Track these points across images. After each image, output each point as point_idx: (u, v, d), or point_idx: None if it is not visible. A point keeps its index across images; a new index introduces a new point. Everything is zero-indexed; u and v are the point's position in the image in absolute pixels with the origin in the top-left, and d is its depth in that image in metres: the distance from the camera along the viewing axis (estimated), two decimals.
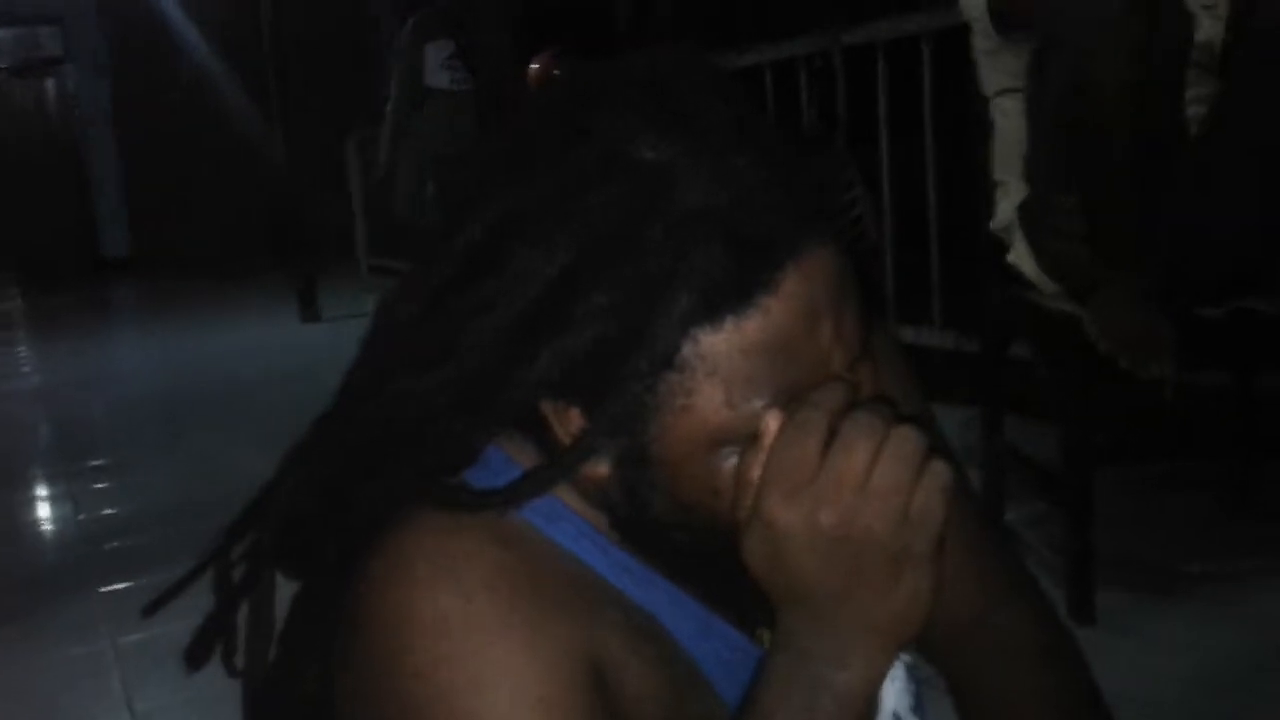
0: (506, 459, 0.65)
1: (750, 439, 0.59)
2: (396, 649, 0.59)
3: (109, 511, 3.15)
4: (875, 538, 0.56)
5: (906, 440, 0.57)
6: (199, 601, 0.70)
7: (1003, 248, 2.00)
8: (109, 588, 2.46)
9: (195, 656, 0.70)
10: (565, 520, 0.65)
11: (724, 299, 0.57)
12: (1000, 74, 1.94)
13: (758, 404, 0.58)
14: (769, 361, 0.58)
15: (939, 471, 0.57)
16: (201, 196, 9.91)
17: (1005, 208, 1.98)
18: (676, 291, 0.57)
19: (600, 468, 0.62)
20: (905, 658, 0.70)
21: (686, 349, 0.58)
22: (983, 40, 1.93)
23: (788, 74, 3.61)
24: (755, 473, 0.58)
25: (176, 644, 0.69)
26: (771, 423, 0.58)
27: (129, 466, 3.63)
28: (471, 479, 0.65)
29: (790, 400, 0.58)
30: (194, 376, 5.11)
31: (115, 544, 2.83)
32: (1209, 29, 1.83)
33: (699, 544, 0.64)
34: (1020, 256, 1.94)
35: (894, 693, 0.68)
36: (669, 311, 0.57)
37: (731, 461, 0.60)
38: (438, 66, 4.81)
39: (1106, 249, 1.74)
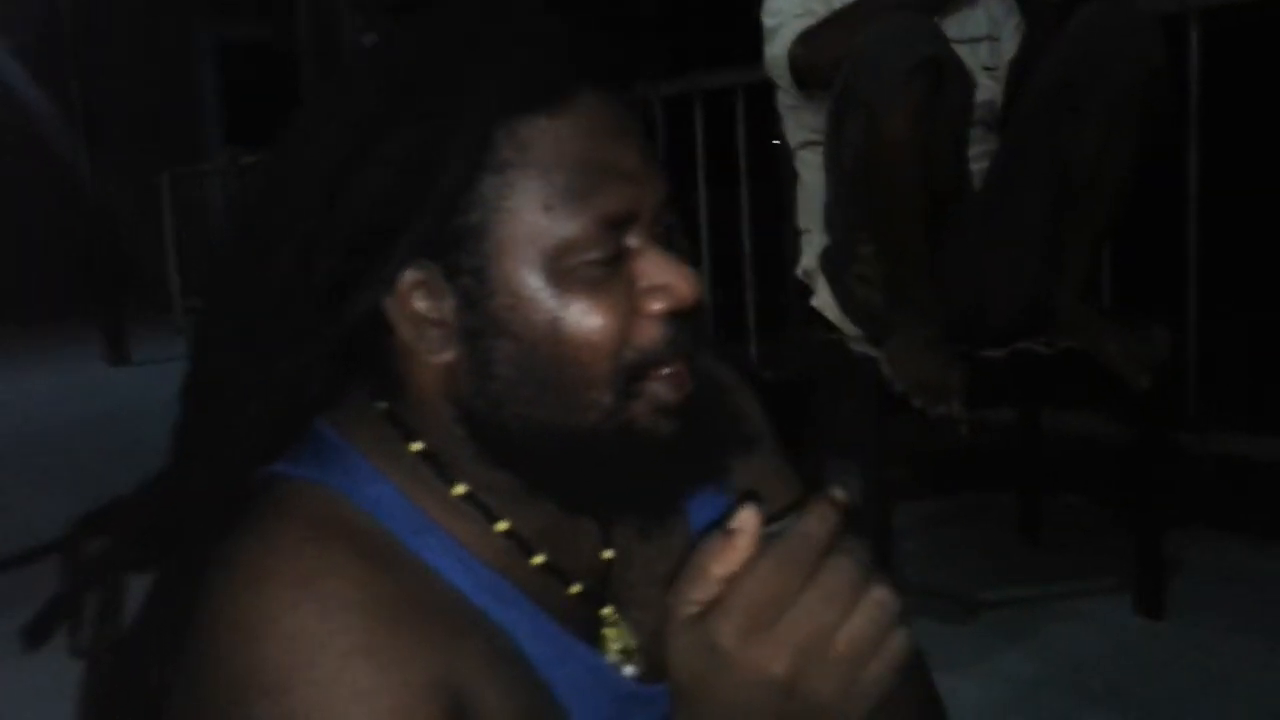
0: (340, 437, 0.65)
1: (584, 267, 0.60)
2: (245, 665, 0.56)
3: None
4: (819, 700, 0.54)
5: (882, 606, 0.54)
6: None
7: (808, 291, 2.09)
8: None
9: (35, 635, 0.66)
10: (430, 534, 0.64)
11: (530, 96, 0.60)
12: (802, 129, 2.02)
13: (579, 216, 0.60)
14: (583, 166, 0.60)
15: (900, 647, 0.55)
16: (3, 231, 9.34)
17: (809, 254, 2.06)
18: (482, 87, 0.59)
19: (446, 353, 0.62)
20: None
21: (502, 143, 0.60)
22: (786, 96, 2.02)
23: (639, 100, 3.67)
24: (717, 569, 0.55)
25: None
26: (748, 519, 0.56)
27: None
28: (304, 465, 0.63)
29: (610, 226, 0.60)
30: None
31: None
32: (990, 89, 1.96)
33: (554, 430, 0.62)
34: (823, 301, 2.03)
35: None
36: (476, 105, 0.59)
37: (560, 295, 0.60)
38: None
39: (899, 295, 1.83)
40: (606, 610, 0.71)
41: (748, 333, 3.36)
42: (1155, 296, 2.41)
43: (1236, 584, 2.07)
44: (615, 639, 0.70)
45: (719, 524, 0.57)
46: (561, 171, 0.60)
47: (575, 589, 0.69)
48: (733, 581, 0.55)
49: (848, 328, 2.00)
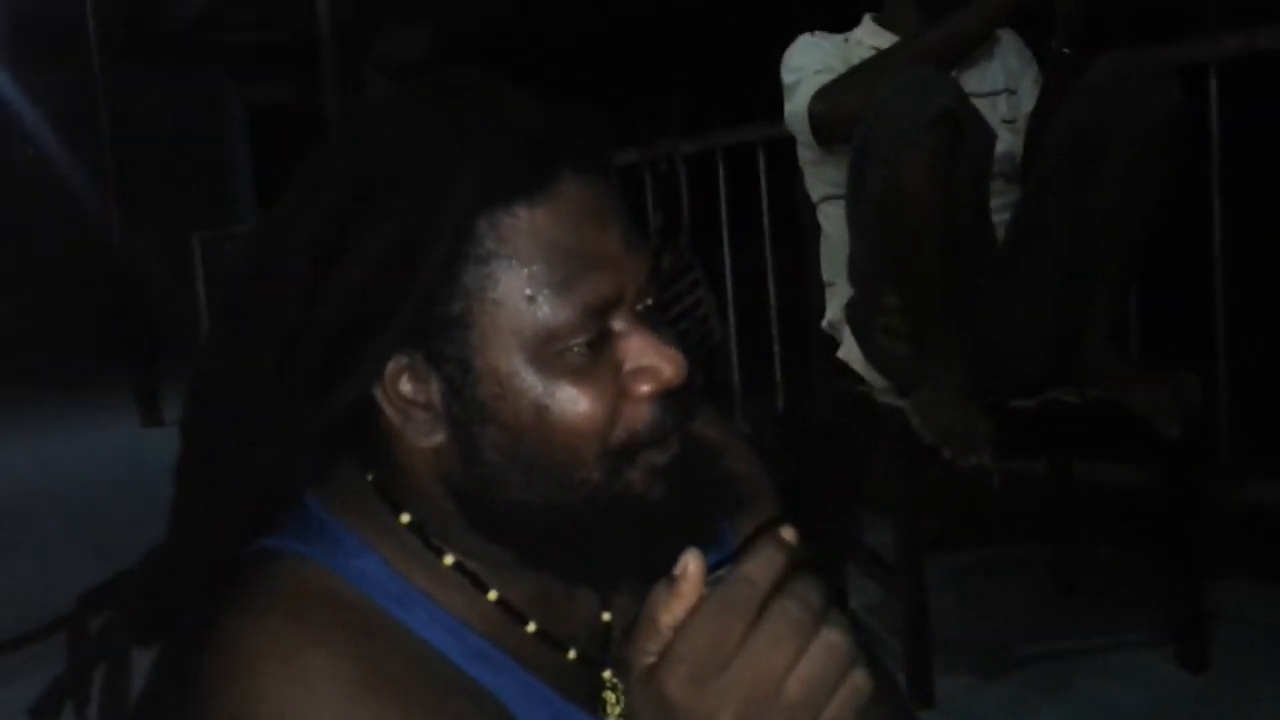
0: (328, 510, 0.66)
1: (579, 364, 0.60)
2: None
3: None
4: None
5: (832, 648, 0.53)
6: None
7: (835, 344, 2.09)
8: None
9: (43, 713, 0.67)
10: (417, 605, 0.64)
11: (511, 186, 0.60)
12: (823, 182, 2.03)
13: (563, 304, 0.60)
14: (565, 255, 0.61)
15: (857, 686, 0.54)
16: (36, 294, 9.49)
17: (834, 306, 2.07)
18: (462, 178, 0.60)
19: (435, 436, 0.63)
20: None
21: (484, 235, 0.60)
22: (806, 151, 2.03)
23: (631, 180, 3.72)
24: (664, 618, 0.54)
25: None
26: (691, 565, 0.55)
27: None
28: (292, 539, 0.64)
29: (594, 313, 0.61)
30: (24, 485, 4.83)
31: None
32: (1009, 142, 1.98)
33: (545, 509, 0.63)
34: (849, 353, 2.03)
35: None
36: (457, 195, 0.60)
37: (546, 383, 0.61)
38: None
39: (925, 346, 1.83)
40: (606, 674, 0.70)
41: (774, 386, 3.36)
42: (1183, 345, 2.40)
43: (1277, 635, 2.03)
44: (615, 703, 0.70)
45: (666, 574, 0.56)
46: (544, 261, 0.61)
47: (571, 654, 0.69)
48: (678, 630, 0.54)
49: (875, 379, 1.99)
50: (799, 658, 0.52)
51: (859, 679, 0.54)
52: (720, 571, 0.55)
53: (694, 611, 0.54)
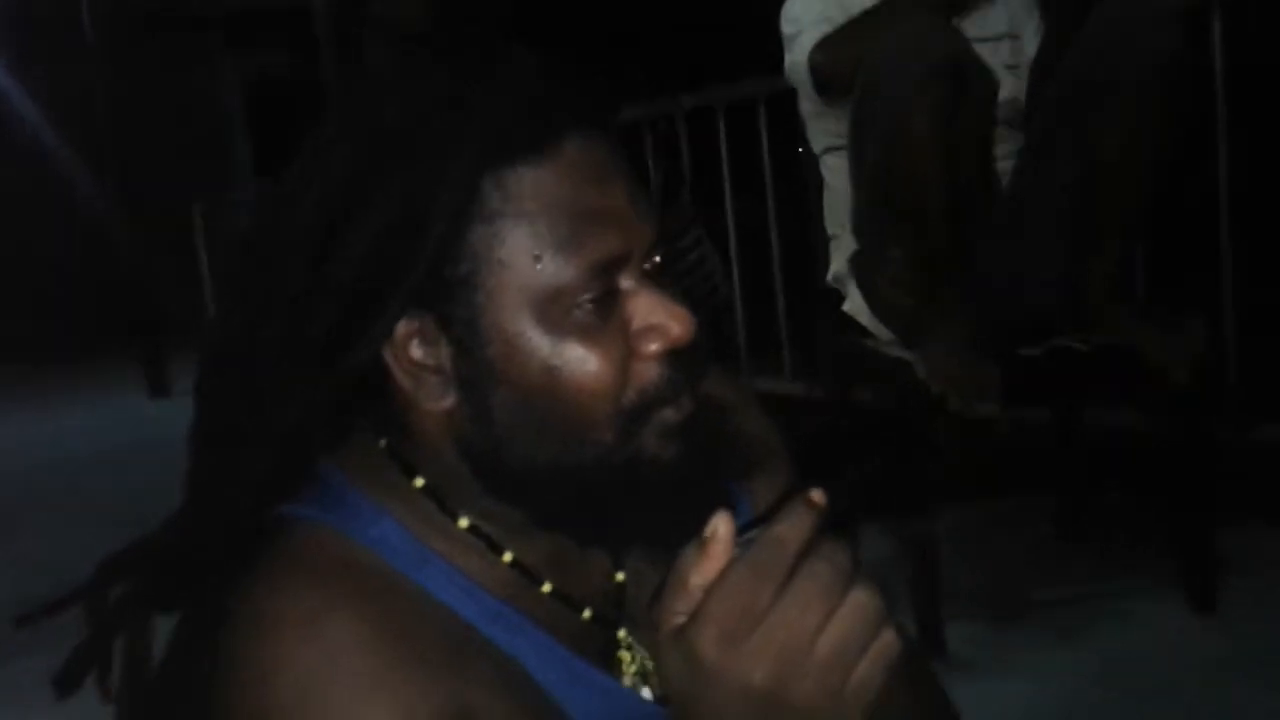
0: (343, 477, 0.66)
1: (585, 321, 0.60)
2: (260, 707, 0.58)
3: None
4: (805, 706, 0.53)
5: (862, 609, 0.54)
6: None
7: (840, 297, 2.09)
8: None
9: (66, 682, 0.68)
10: (433, 567, 0.65)
11: (515, 146, 0.60)
12: (825, 134, 2.02)
13: (569, 263, 0.60)
14: (570, 213, 0.61)
15: (888, 645, 0.54)
16: (36, 268, 9.48)
17: (838, 259, 2.06)
18: (467, 139, 0.60)
19: (446, 399, 0.63)
20: None
21: (490, 194, 0.60)
22: (807, 103, 2.02)
23: (632, 138, 3.70)
24: (695, 579, 0.55)
25: None
26: (722, 527, 0.55)
27: None
28: (308, 506, 0.65)
29: (601, 271, 0.61)
30: (32, 458, 4.85)
31: None
32: (1012, 87, 1.96)
33: (557, 470, 0.63)
34: (855, 306, 2.02)
35: None
36: (462, 157, 0.60)
37: (554, 343, 0.61)
38: None
39: (931, 297, 1.82)
40: (621, 633, 0.71)
41: (780, 341, 3.36)
42: (1190, 289, 2.39)
43: None
44: (630, 662, 0.71)
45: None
46: (549, 220, 0.61)
47: (586, 615, 0.69)
48: (709, 591, 0.54)
49: (880, 331, 1.99)
50: (829, 618, 0.53)
51: (889, 639, 0.54)
52: (750, 533, 0.56)
53: (724, 573, 0.54)
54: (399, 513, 0.65)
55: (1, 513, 4.01)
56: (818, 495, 0.55)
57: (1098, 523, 2.32)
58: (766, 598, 0.53)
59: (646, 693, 0.70)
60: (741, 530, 0.56)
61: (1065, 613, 2.02)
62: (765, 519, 0.56)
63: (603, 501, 0.63)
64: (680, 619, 0.55)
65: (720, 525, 0.55)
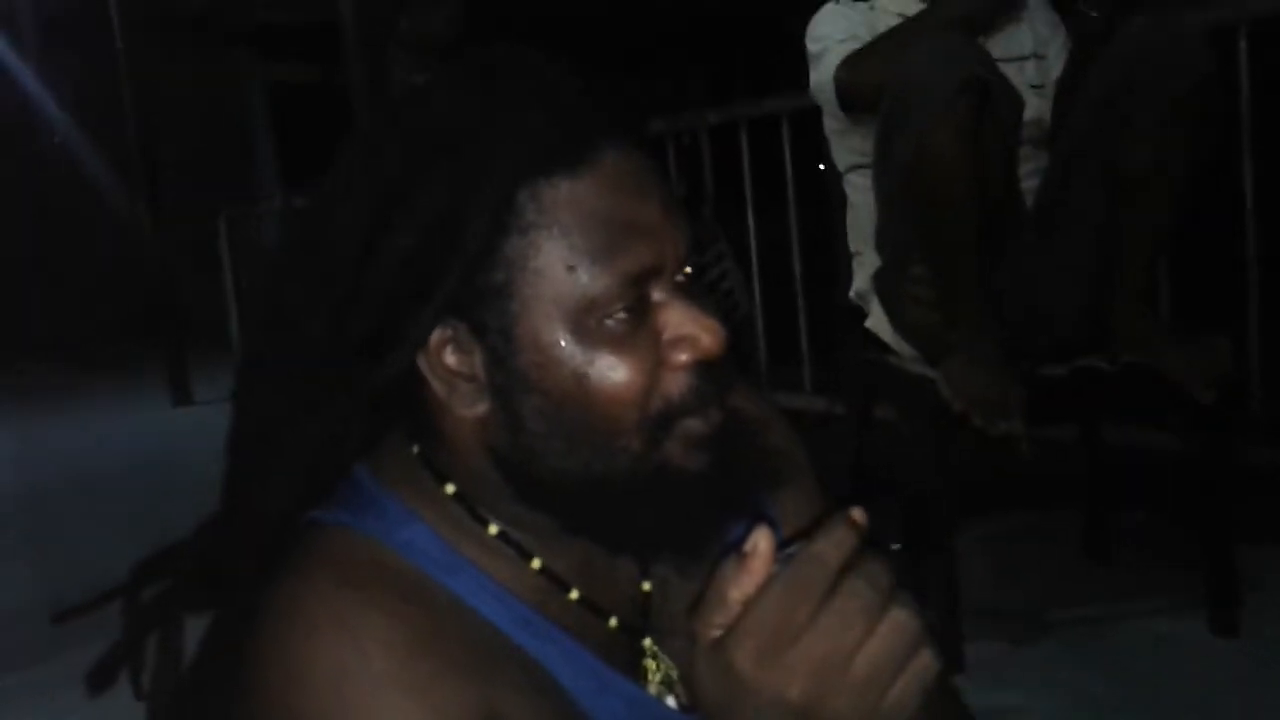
0: (376, 482, 0.67)
1: (618, 331, 0.61)
2: (290, 704, 0.59)
3: None
4: None
5: (901, 628, 0.54)
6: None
7: (862, 314, 2.09)
8: None
9: (100, 679, 0.69)
10: (464, 573, 0.65)
11: (552, 158, 0.61)
12: (849, 152, 2.03)
13: (603, 274, 0.61)
14: (605, 225, 0.61)
15: (925, 666, 0.55)
16: (64, 276, 9.57)
17: (861, 276, 2.07)
18: (504, 150, 0.61)
19: (479, 406, 0.64)
20: None
21: (525, 206, 0.61)
22: (832, 121, 2.03)
23: (655, 152, 3.71)
24: (734, 593, 0.56)
25: None
26: (762, 542, 0.56)
27: None
28: (340, 511, 0.66)
29: (633, 282, 0.62)
30: (57, 466, 4.89)
31: None
32: (1038, 107, 1.96)
33: (587, 478, 0.63)
34: (877, 323, 2.02)
35: None
36: (499, 168, 0.61)
37: (586, 352, 0.61)
38: None
39: (954, 314, 1.82)
40: (647, 642, 0.72)
41: (801, 357, 3.36)
42: (1215, 309, 2.38)
43: None
44: (656, 670, 0.71)
45: (737, 547, 0.57)
46: (584, 231, 0.61)
47: (613, 623, 0.70)
48: (748, 605, 0.55)
49: (903, 349, 1.99)
50: (868, 636, 0.53)
51: (926, 659, 0.55)
52: (790, 549, 0.56)
53: (764, 588, 0.55)
54: (430, 518, 0.66)
55: (29, 520, 4.06)
56: (859, 514, 0.56)
57: (1121, 542, 2.31)
58: (805, 614, 0.53)
59: (671, 701, 0.71)
60: (781, 546, 0.57)
61: (1087, 632, 2.00)
62: (805, 535, 0.57)
63: (631, 510, 0.64)
64: (718, 632, 0.56)
65: (761, 540, 0.56)
